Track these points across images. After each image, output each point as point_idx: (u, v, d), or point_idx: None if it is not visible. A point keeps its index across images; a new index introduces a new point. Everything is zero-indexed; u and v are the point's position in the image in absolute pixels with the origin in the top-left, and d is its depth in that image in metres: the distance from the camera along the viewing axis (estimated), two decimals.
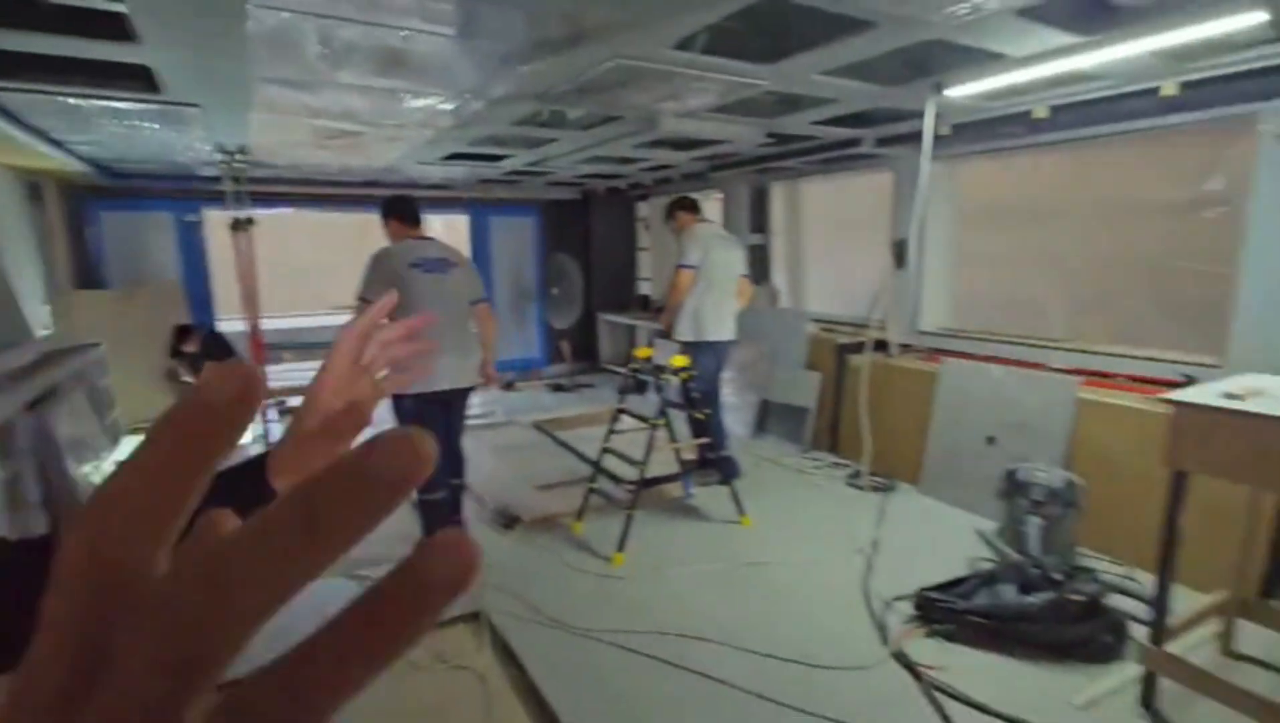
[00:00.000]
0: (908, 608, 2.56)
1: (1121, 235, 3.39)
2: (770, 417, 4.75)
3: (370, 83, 2.64)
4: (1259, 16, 1.78)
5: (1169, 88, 2.67)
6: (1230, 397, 1.80)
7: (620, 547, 3.03)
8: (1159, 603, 1.98)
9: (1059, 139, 3.30)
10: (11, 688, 0.15)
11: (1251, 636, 2.28)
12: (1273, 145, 2.59)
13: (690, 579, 2.87)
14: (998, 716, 2.01)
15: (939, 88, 2.72)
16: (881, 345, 4.12)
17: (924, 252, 4.06)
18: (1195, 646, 2.29)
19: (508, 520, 3.40)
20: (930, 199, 4.03)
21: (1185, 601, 2.27)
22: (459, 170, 5.30)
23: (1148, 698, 2.02)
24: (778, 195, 5.56)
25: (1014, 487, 2.90)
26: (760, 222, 5.66)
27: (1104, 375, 3.24)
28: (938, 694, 2.10)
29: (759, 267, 5.74)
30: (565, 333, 6.90)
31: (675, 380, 3.34)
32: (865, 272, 4.54)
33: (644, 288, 7.30)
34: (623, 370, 3.46)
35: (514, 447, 4.68)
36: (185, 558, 0.16)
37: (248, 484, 0.49)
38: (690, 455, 3.64)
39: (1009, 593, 2.45)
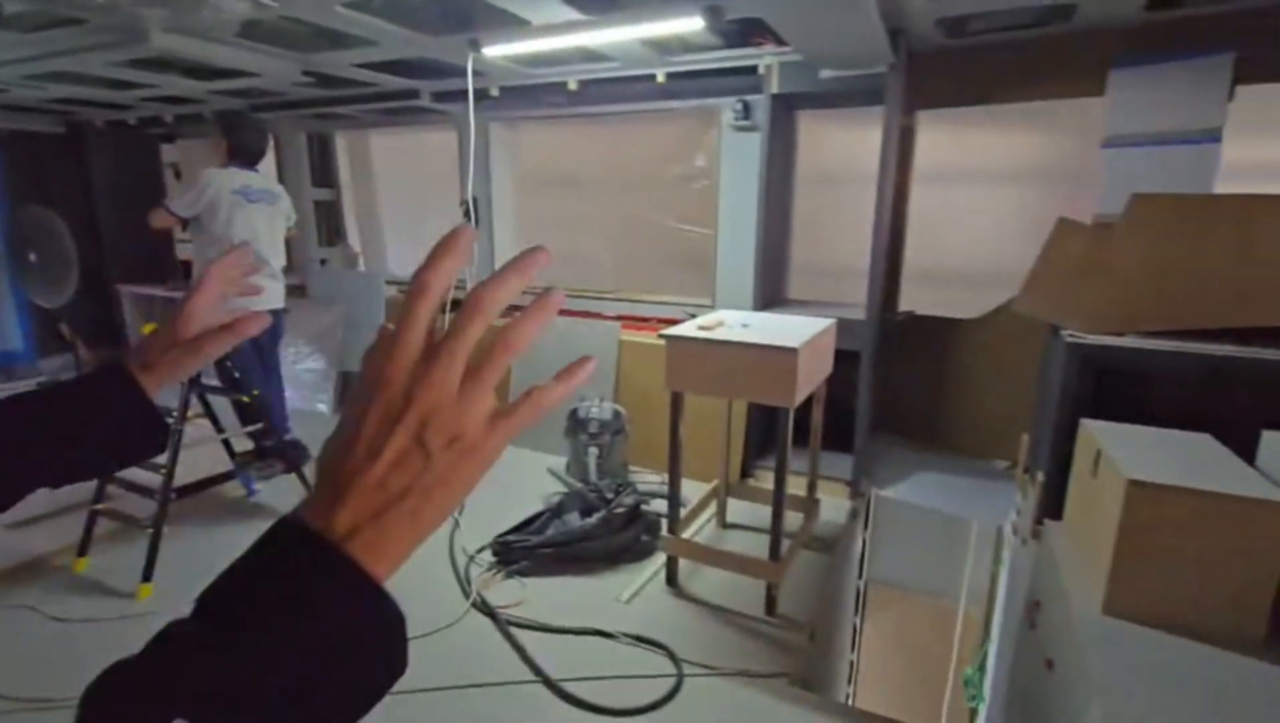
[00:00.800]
0: (489, 557, 2.66)
1: (647, 201, 4.03)
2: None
3: None
4: (698, 22, 2.23)
5: (661, 76, 3.20)
6: (702, 329, 2.28)
7: (147, 576, 2.42)
8: (672, 499, 2.45)
9: (591, 112, 3.71)
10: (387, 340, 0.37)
11: (737, 508, 3.02)
12: (730, 133, 3.34)
13: None
14: (561, 631, 2.23)
15: (476, 45, 2.74)
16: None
17: (492, 211, 4.19)
18: (703, 526, 2.94)
19: None
20: (494, 160, 4.16)
21: (696, 492, 2.89)
22: None
23: (671, 578, 2.50)
24: (344, 146, 5.06)
25: (576, 424, 3.25)
26: (326, 174, 5.09)
27: (641, 320, 3.85)
28: (512, 629, 2.24)
29: (330, 225, 5.20)
30: (65, 313, 5.18)
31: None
32: (442, 231, 4.48)
33: (186, 251, 5.93)
34: None
35: None
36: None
37: (111, 383, 0.57)
38: (247, 447, 3.11)
39: (574, 519, 2.75)
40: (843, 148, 3.51)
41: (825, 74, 2.86)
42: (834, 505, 3.04)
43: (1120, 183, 2.38)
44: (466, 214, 4.02)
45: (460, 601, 2.42)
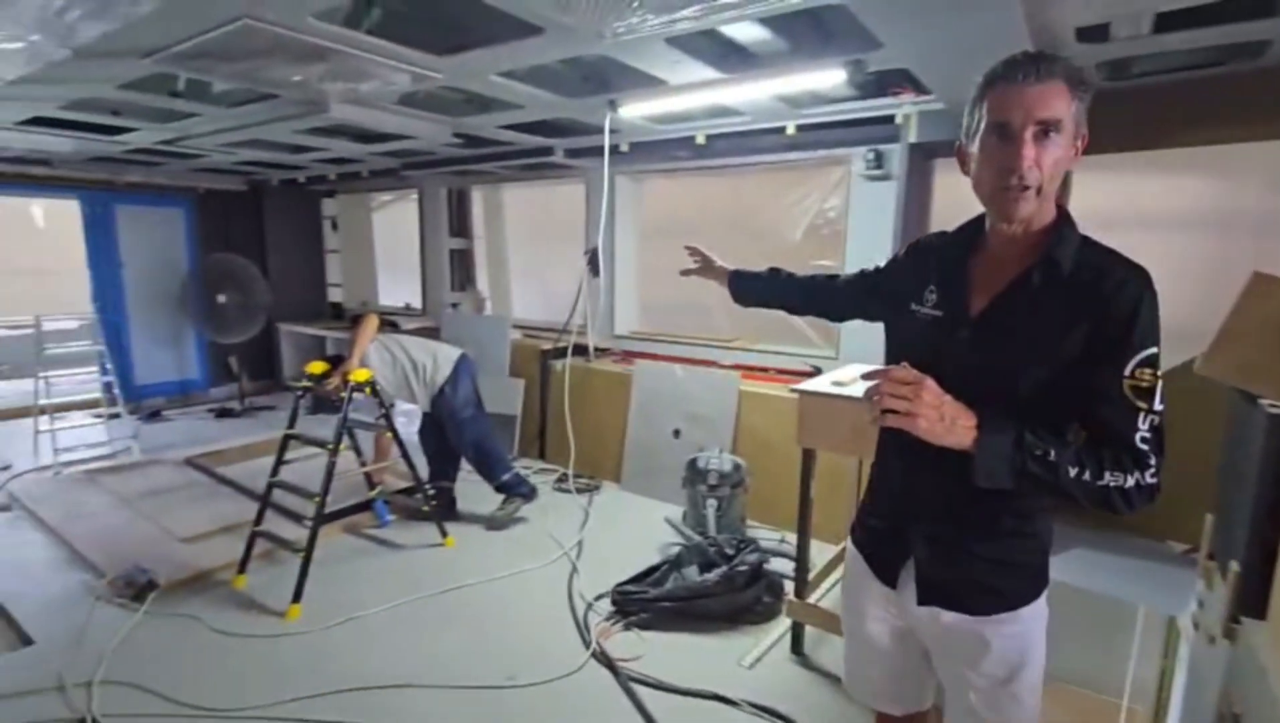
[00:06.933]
0: (608, 606, 2.64)
1: (770, 248, 4.00)
2: None
3: None
4: (840, 75, 2.21)
5: (790, 129, 3.20)
6: (836, 384, 2.19)
7: (297, 597, 2.60)
8: (800, 560, 2.33)
9: (717, 164, 3.77)
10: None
11: None
12: (860, 182, 3.28)
13: (382, 620, 2.57)
14: (683, 692, 2.16)
15: (614, 105, 2.87)
16: (581, 350, 4.27)
17: (615, 260, 4.31)
18: (830, 590, 2.77)
19: (138, 588, 2.68)
20: (618, 211, 4.30)
21: (823, 553, 2.74)
22: (57, 140, 4.08)
23: (796, 645, 2.37)
24: (479, 199, 5.44)
25: (694, 474, 3.20)
26: (461, 225, 5.47)
27: (760, 370, 3.78)
28: (633, 685, 2.19)
29: (463, 272, 5.55)
30: (234, 348, 5.82)
31: (363, 396, 2.98)
32: (566, 279, 4.67)
33: (335, 295, 6.55)
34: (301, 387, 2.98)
35: (156, 491, 3.75)
36: None
37: None
38: (378, 480, 3.33)
39: (692, 574, 2.68)
40: None
41: None
42: None
43: None
44: (591, 261, 4.16)
45: (579, 649, 2.41)
